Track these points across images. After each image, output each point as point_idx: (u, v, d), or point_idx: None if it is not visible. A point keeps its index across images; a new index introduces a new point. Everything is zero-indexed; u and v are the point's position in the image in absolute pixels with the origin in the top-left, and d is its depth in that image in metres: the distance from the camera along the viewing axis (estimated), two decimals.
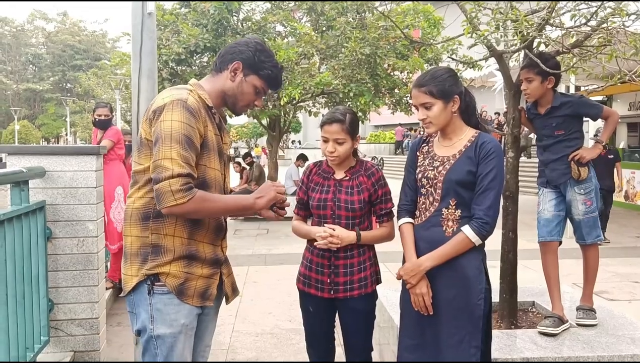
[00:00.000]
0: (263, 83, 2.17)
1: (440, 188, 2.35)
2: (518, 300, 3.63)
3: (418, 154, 2.52)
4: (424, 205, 2.43)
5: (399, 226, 2.51)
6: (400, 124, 31.58)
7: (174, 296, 2.02)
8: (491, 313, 2.42)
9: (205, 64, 11.28)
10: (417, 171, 2.47)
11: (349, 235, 2.58)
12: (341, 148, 2.59)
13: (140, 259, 2.03)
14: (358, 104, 10.61)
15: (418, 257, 2.36)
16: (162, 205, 1.89)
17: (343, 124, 2.57)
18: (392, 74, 11.45)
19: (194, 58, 10.97)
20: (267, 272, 6.93)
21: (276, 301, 5.55)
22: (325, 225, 2.61)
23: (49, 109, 55.33)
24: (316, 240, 2.60)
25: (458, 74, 2.49)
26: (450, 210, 2.33)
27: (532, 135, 4.14)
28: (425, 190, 2.42)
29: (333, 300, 2.66)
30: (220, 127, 2.19)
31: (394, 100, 12.30)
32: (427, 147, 2.51)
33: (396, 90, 11.97)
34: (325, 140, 2.62)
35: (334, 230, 2.56)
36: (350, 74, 10.51)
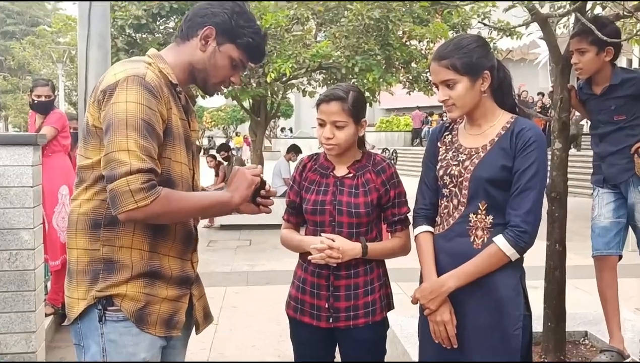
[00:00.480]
0: (241, 54, 2.17)
1: (466, 188, 2.35)
2: (567, 329, 3.64)
3: (439, 145, 2.53)
4: (446, 210, 2.43)
5: (416, 236, 2.51)
6: (418, 107, 31.56)
7: (132, 324, 2.01)
8: (531, 346, 2.42)
9: (171, 30, 11.29)
10: (438, 167, 2.47)
11: (353, 248, 2.58)
12: (341, 134, 2.58)
13: (89, 278, 2.02)
14: (365, 81, 10.63)
15: (439, 274, 2.37)
16: (118, 210, 1.88)
17: (344, 103, 2.57)
18: (408, 43, 11.47)
19: (158, 23, 10.98)
20: (250, 294, 6.93)
21: (261, 331, 5.56)
22: (322, 234, 2.62)
23: None
24: (310, 254, 2.60)
25: (490, 44, 2.49)
26: (479, 216, 2.34)
27: (585, 122, 4.14)
28: (448, 190, 2.42)
29: (332, 330, 2.66)
30: (188, 110, 2.19)
31: (410, 77, 12.32)
32: (450, 137, 2.52)
33: (413, 65, 11.99)
34: (322, 124, 2.62)
35: (333, 241, 2.56)
36: (356, 44, 10.52)
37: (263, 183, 2.24)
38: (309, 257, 2.60)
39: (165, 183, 2.01)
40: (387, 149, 27.30)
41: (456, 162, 2.41)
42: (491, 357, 2.29)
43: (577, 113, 3.93)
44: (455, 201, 2.40)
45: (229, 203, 2.11)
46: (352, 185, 2.64)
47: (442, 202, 2.46)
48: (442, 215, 2.45)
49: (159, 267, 2.07)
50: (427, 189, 2.53)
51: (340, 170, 2.69)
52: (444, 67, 2.33)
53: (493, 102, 2.41)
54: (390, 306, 2.74)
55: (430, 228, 2.49)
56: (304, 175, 2.76)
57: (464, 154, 2.41)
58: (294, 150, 12.36)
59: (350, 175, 2.67)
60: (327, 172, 2.71)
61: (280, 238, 2.82)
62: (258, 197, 2.25)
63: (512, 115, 2.41)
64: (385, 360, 2.76)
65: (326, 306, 2.63)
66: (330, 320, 2.63)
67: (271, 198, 2.29)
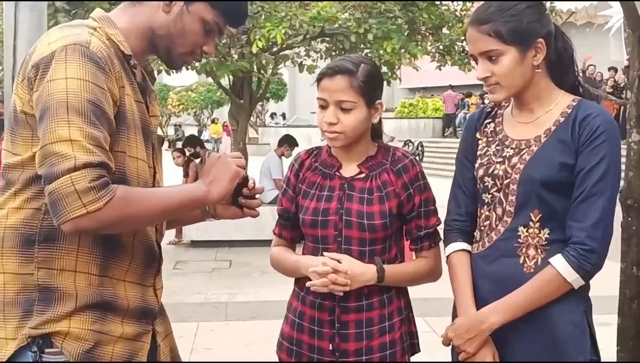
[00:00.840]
0: (216, 15, 2.18)
1: (514, 193, 2.36)
2: None
3: (479, 136, 2.54)
4: (487, 222, 2.44)
5: (448, 256, 2.52)
6: (451, 87, 31.62)
7: None
8: None
9: None
10: (477, 165, 2.48)
11: (365, 272, 2.56)
12: (348, 119, 2.57)
13: (21, 311, 2.02)
14: (381, 52, 10.64)
15: (479, 307, 2.37)
16: (62, 218, 1.86)
17: (353, 78, 2.56)
18: (438, 2, 11.47)
19: None
20: (230, 333, 6.93)
21: None
22: (325, 253, 2.62)
23: None
24: (310, 279, 2.61)
25: (546, 4, 2.50)
26: (531, 230, 2.34)
27: None
28: (489, 196, 2.43)
29: None
30: (145, 89, 2.20)
31: (440, 47, 12.33)
32: (493, 125, 2.53)
33: (445, 30, 11.99)
34: (323, 106, 2.61)
35: (339, 262, 2.56)
36: (369, 4, 10.53)
37: (245, 179, 2.25)
38: (308, 284, 2.59)
39: (117, 181, 2.00)
40: (410, 142, 27.26)
41: (501, 159, 2.42)
42: None
43: None
44: (499, 210, 2.40)
45: (204, 199, 2.11)
46: (365, 189, 2.63)
47: (483, 211, 2.47)
48: (483, 228, 2.46)
49: (113, 295, 2.08)
50: (463, 195, 2.54)
51: (349, 169, 2.69)
52: (485, 35, 2.33)
53: (549, 80, 2.42)
54: (414, 348, 2.74)
55: (466, 246, 2.50)
56: (302, 176, 2.75)
57: (512, 148, 2.41)
58: (288, 142, 12.34)
59: (362, 175, 2.66)
60: (331, 171, 2.70)
61: (270, 258, 2.81)
62: (240, 196, 2.26)
63: (574, 97, 2.41)
64: None
65: (330, 348, 2.61)
66: None
67: (258, 199, 2.30)
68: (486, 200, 2.45)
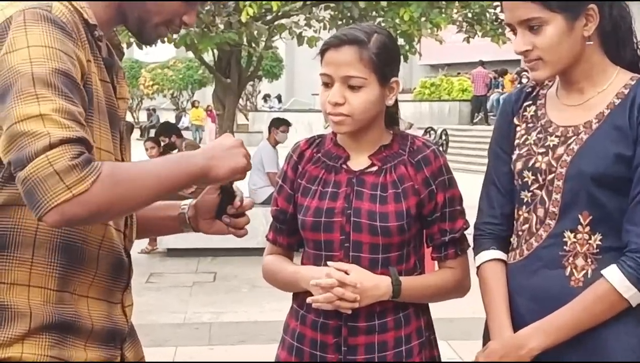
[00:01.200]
0: None
1: (560, 190, 2.37)
2: None
3: (517, 122, 2.55)
4: (526, 225, 2.45)
5: (479, 266, 2.54)
6: (482, 63, 31.66)
7: None
8: None
9: None
10: (516, 157, 2.49)
11: (378, 285, 2.55)
12: (357, 98, 2.54)
13: None
14: (397, 22, 10.66)
15: (516, 329, 2.38)
16: (44, 207, 1.81)
17: (363, 49, 2.54)
18: None
19: None
20: (212, 359, 6.95)
21: None
22: (329, 263, 2.62)
23: None
24: (311, 294, 2.61)
25: None
26: (580, 236, 2.35)
27: None
28: (529, 194, 2.44)
29: None
30: (112, 66, 2.21)
31: (469, 15, 12.34)
32: (534, 109, 2.53)
33: None
34: (327, 83, 2.60)
35: (347, 273, 2.57)
36: None
37: (232, 193, 2.28)
38: (309, 300, 2.60)
39: None
40: (432, 129, 27.32)
41: (544, 150, 2.42)
42: None
43: None
44: (541, 211, 2.41)
45: (203, 175, 2.06)
46: (377, 185, 2.62)
47: (521, 212, 2.47)
48: (521, 233, 2.47)
49: (74, 314, 2.08)
50: (498, 192, 2.55)
51: (359, 161, 2.67)
52: None
53: (603, 54, 2.42)
54: None
55: (502, 255, 2.50)
56: (301, 170, 2.74)
57: (556, 137, 2.42)
58: (277, 123, 12.33)
59: (374, 168, 2.64)
60: (337, 164, 2.68)
61: (263, 269, 2.81)
62: (224, 214, 2.31)
63: (632, 75, 2.42)
64: None
65: None
66: None
67: (247, 213, 2.33)
68: (525, 199, 2.45)
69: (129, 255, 2.25)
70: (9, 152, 1.83)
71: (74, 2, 2.09)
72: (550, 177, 2.38)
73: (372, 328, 2.59)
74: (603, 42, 2.41)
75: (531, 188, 2.43)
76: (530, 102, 2.55)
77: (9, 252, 2.01)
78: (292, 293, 2.77)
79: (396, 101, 2.69)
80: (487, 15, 12.26)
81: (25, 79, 1.86)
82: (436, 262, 2.75)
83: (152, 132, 17.81)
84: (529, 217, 2.43)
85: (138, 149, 16.66)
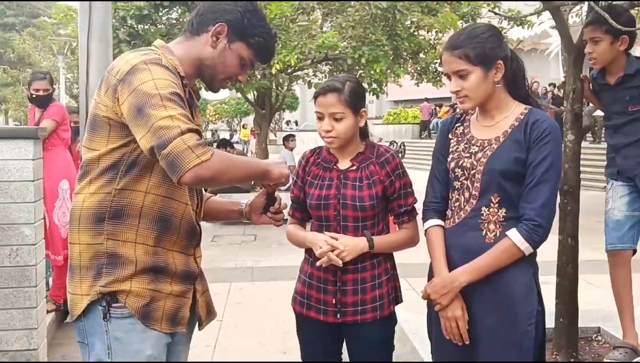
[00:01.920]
0: (251, 53, 2.17)
1: (479, 181, 2.35)
2: (579, 326, 3.63)
3: (450, 136, 2.52)
4: (457, 203, 2.43)
5: (426, 230, 2.51)
6: (426, 99, 31.49)
7: (137, 320, 2.01)
8: (545, 343, 2.41)
9: (174, 21, 11.28)
10: (450, 159, 2.46)
11: (357, 244, 2.58)
12: (340, 126, 2.59)
13: (93, 273, 2.02)
14: (372, 72, 10.63)
15: (450, 270, 2.36)
16: (182, 169, 1.84)
17: (340, 94, 2.57)
18: (416, 33, 11.45)
19: (160, 14, 10.97)
20: (255, 290, 6.93)
21: (267, 328, 5.56)
22: (325, 232, 2.62)
23: None
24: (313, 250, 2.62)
25: (502, 34, 2.48)
26: (492, 210, 2.33)
27: (599, 113, 4.13)
28: (459, 183, 2.42)
29: (340, 325, 2.66)
30: (192, 104, 2.19)
31: (418, 68, 12.31)
32: (462, 128, 2.50)
33: (421, 55, 11.97)
34: (320, 117, 2.63)
35: (336, 239, 2.56)
36: (362, 34, 10.51)
37: (274, 198, 2.32)
38: (318, 263, 2.60)
39: (170, 181, 2.01)
40: (394, 142, 27.30)
41: (468, 154, 2.40)
42: (503, 353, 2.28)
43: (590, 104, 3.91)
44: (466, 194, 2.39)
45: (269, 172, 2.12)
46: (356, 178, 2.65)
47: (453, 195, 2.45)
48: (453, 208, 2.45)
49: (164, 262, 2.08)
50: (438, 182, 2.52)
51: (344, 163, 2.69)
52: (457, 57, 2.31)
53: (506, 93, 2.40)
54: (398, 299, 2.74)
55: (440, 222, 2.48)
56: (307, 170, 2.76)
57: (477, 146, 2.40)
58: (290, 136, 12.92)
59: (354, 167, 2.67)
60: (330, 165, 2.71)
61: (286, 233, 2.82)
62: (268, 211, 2.35)
63: (525, 106, 2.40)
64: (394, 358, 2.76)
65: (333, 301, 2.63)
66: (338, 316, 2.63)
67: (282, 214, 2.39)
68: (456, 186, 2.43)
69: (199, 225, 2.24)
70: (151, 141, 1.86)
71: (170, 61, 2.09)
72: (472, 172, 2.37)
73: (356, 269, 2.63)
74: (506, 85, 2.40)
75: (460, 179, 2.41)
76: (460, 123, 2.53)
77: (123, 221, 2.01)
78: (305, 249, 2.77)
79: (366, 123, 2.70)
80: (430, 68, 12.20)
81: (154, 97, 1.89)
82: (397, 226, 2.74)
83: (215, 145, 17.86)
84: (459, 198, 2.42)
85: None
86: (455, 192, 2.43)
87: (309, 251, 2.72)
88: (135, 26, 10.43)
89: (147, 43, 10.18)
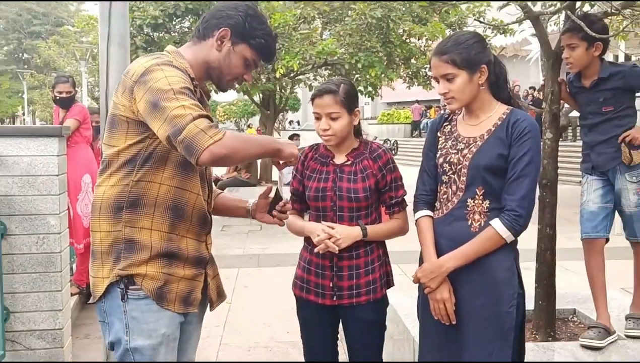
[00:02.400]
0: (254, 54, 2.17)
1: (465, 175, 2.35)
2: (557, 307, 3.63)
3: (439, 134, 2.52)
4: (445, 196, 2.43)
5: (416, 220, 2.51)
6: (417, 101, 31.47)
7: (153, 301, 2.02)
8: (525, 323, 2.42)
9: (186, 29, 11.26)
10: (438, 155, 2.46)
11: (352, 232, 2.59)
12: (336, 124, 2.59)
13: (113, 258, 2.03)
14: (368, 77, 10.60)
15: (439, 256, 2.36)
16: (197, 150, 1.83)
17: (336, 95, 2.58)
18: (408, 41, 11.42)
19: (174, 22, 10.95)
20: (261, 275, 6.94)
21: (272, 309, 5.57)
22: (322, 222, 2.62)
23: (3, 83, 55.35)
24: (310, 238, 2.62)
25: (486, 41, 2.47)
26: (476, 201, 2.33)
27: (574, 113, 4.12)
28: (447, 177, 2.42)
29: (336, 307, 2.67)
30: (202, 103, 2.18)
31: (410, 73, 12.28)
32: (449, 127, 2.50)
33: (413, 61, 11.94)
34: (318, 117, 2.64)
35: (333, 229, 2.56)
36: (359, 42, 10.48)
37: (279, 198, 2.32)
38: (315, 241, 2.60)
39: (185, 165, 2.03)
40: (388, 140, 27.33)
41: (455, 151, 2.40)
42: (487, 332, 2.28)
43: (567, 105, 3.90)
44: (454, 187, 2.39)
45: (281, 151, 2.06)
46: (351, 172, 2.65)
47: (442, 188, 2.45)
48: (442, 200, 2.44)
49: (177, 247, 2.08)
50: (427, 176, 2.51)
51: (340, 158, 2.70)
52: (444, 62, 2.31)
53: (490, 94, 2.40)
54: (389, 283, 2.75)
55: (430, 213, 2.48)
56: (306, 164, 2.76)
57: (463, 143, 2.39)
58: (294, 136, 13.01)
59: (349, 162, 2.67)
60: (327, 160, 2.71)
61: (286, 223, 2.81)
62: (274, 210, 2.33)
63: (507, 106, 2.40)
64: (387, 337, 2.76)
65: (330, 285, 2.64)
66: (335, 298, 2.64)
67: (287, 213, 2.38)
68: (444, 180, 2.43)
69: (210, 214, 2.24)
70: (167, 130, 1.86)
71: (180, 64, 2.09)
72: (459, 167, 2.37)
73: (351, 256, 2.63)
74: (490, 87, 2.39)
75: (448, 174, 2.41)
76: (447, 123, 2.53)
77: (140, 209, 2.02)
78: (304, 237, 2.78)
79: (359, 121, 2.72)
80: (421, 73, 12.17)
81: (167, 91, 1.90)
82: (388, 216, 2.74)
83: None
84: (447, 191, 2.42)
85: None
86: (444, 185, 2.43)
87: (307, 239, 2.73)
88: (151, 34, 10.41)
89: (161, 49, 10.08)
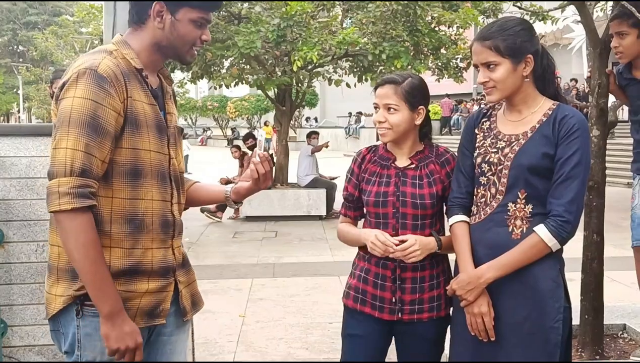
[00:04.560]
0: (198, 11, 2.15)
1: (506, 176, 2.33)
2: (604, 322, 3.60)
3: (477, 131, 2.50)
4: (483, 199, 2.41)
5: (451, 225, 2.49)
6: (447, 95, 31.31)
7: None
8: (571, 339, 2.40)
9: None
10: (476, 154, 2.45)
11: (430, 242, 2.53)
12: (393, 117, 2.56)
13: (69, 276, 2.05)
14: (393, 69, 10.56)
15: (476, 266, 2.35)
16: (49, 208, 1.94)
17: (397, 86, 2.57)
18: (437, 29, 11.38)
19: None
20: (276, 286, 6.94)
21: (288, 323, 5.57)
22: (392, 238, 2.53)
23: None
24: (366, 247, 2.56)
25: (534, 29, 2.45)
26: (518, 205, 2.31)
27: (621, 109, 4.08)
28: (485, 179, 2.40)
29: (393, 323, 2.63)
30: (160, 93, 2.19)
31: (439, 64, 12.22)
32: (488, 123, 2.49)
33: (442, 51, 11.90)
34: (376, 107, 2.63)
35: (404, 241, 2.49)
36: (383, 30, 10.46)
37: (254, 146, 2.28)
38: (391, 254, 2.49)
39: (132, 174, 2.05)
40: None
41: (495, 150, 2.38)
42: (530, 350, 2.27)
43: (615, 99, 3.87)
44: (493, 190, 2.37)
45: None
46: (416, 176, 2.61)
47: (479, 190, 2.43)
48: (479, 204, 2.43)
49: (139, 262, 2.09)
50: (463, 178, 2.50)
51: (402, 161, 2.65)
52: (487, 48, 2.31)
53: (535, 88, 2.38)
54: (451, 302, 2.62)
55: (465, 218, 2.46)
56: (364, 167, 2.72)
57: (504, 141, 2.38)
58: (313, 134, 13.02)
59: (413, 166, 2.63)
60: (387, 163, 2.67)
61: (338, 231, 2.78)
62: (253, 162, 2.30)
63: (554, 102, 2.38)
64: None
65: (392, 299, 2.59)
66: (394, 313, 2.59)
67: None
68: (482, 182, 2.41)
69: (174, 215, 2.21)
70: (49, 164, 1.95)
71: (125, 55, 2.10)
72: (499, 167, 2.35)
73: (416, 267, 2.58)
74: (535, 80, 2.37)
75: (486, 175, 2.39)
76: (486, 118, 2.51)
77: (97, 227, 2.01)
78: (358, 246, 2.73)
79: (427, 122, 2.67)
80: (451, 64, 12.12)
81: (66, 119, 1.97)
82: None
83: (235, 142, 17.91)
84: (485, 194, 2.40)
85: (226, 153, 16.67)
86: (482, 187, 2.42)
87: (363, 248, 2.66)
88: None
89: None
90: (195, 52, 2.23)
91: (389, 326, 2.63)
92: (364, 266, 2.66)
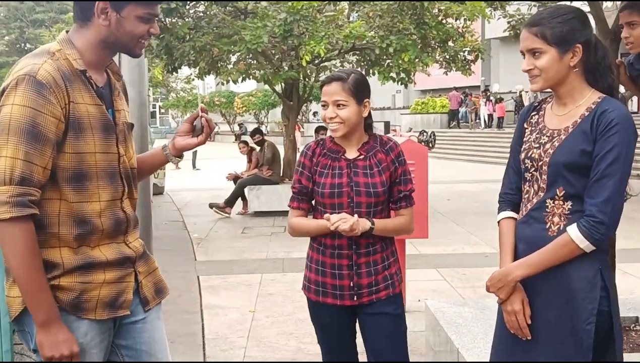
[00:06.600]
0: (145, 7, 2.13)
1: (545, 173, 2.27)
2: None
3: (525, 126, 2.44)
4: (527, 195, 2.36)
5: (498, 221, 2.46)
6: (455, 88, 31.23)
7: (68, 313, 2.05)
8: (612, 344, 2.25)
9: (201, 14, 11.30)
10: (522, 149, 2.39)
11: (365, 223, 2.68)
12: (343, 112, 2.70)
13: None
14: (400, 62, 10.53)
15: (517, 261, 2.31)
16: None
17: (344, 83, 2.70)
18: (444, 22, 11.33)
19: (187, 7, 11.00)
20: (286, 281, 6.93)
21: (298, 318, 5.55)
22: (335, 214, 2.69)
23: (4, 76, 56.26)
24: (323, 236, 2.74)
25: (588, 19, 2.37)
26: (557, 202, 2.25)
27: (633, 99, 4.05)
28: (529, 174, 2.35)
29: (355, 307, 2.80)
30: (105, 92, 2.17)
31: (447, 57, 12.19)
32: (536, 117, 2.42)
33: (450, 44, 11.85)
34: (325, 105, 2.74)
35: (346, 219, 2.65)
36: (390, 23, 10.43)
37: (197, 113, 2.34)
38: (333, 227, 2.62)
39: (77, 178, 2.05)
40: (424, 131, 26.89)
41: (537, 145, 2.32)
42: (564, 349, 2.21)
43: (625, 90, 3.84)
44: (535, 186, 2.32)
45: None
46: (366, 166, 2.77)
47: (525, 186, 2.38)
48: (524, 200, 2.38)
49: (91, 257, 2.09)
50: (513, 173, 2.45)
51: (351, 153, 2.80)
52: (533, 35, 2.24)
53: (583, 80, 2.29)
54: (401, 280, 2.89)
55: (513, 214, 2.42)
56: (315, 160, 2.84)
57: (547, 136, 2.31)
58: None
59: (362, 156, 2.79)
60: (337, 156, 2.81)
61: (292, 226, 2.88)
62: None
63: (600, 95, 2.27)
64: (429, 347, 2.75)
65: (350, 284, 2.76)
66: (355, 298, 2.76)
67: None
68: (527, 178, 2.36)
69: (126, 213, 2.21)
70: None
71: (68, 56, 2.06)
72: (540, 163, 2.27)
73: (369, 252, 2.77)
74: (585, 72, 2.29)
75: (530, 171, 2.33)
76: (535, 112, 2.44)
77: (45, 230, 2.03)
78: (310, 238, 2.87)
79: (370, 115, 2.82)
80: (459, 57, 12.07)
81: (5, 127, 1.96)
82: (394, 212, 2.86)
83: (242, 138, 17.91)
84: (529, 190, 2.34)
85: (234, 148, 16.65)
86: (527, 183, 2.37)
87: (318, 240, 2.82)
88: (164, 20, 10.46)
89: (175, 37, 10.22)
90: (144, 44, 2.22)
91: (352, 310, 2.81)
92: (319, 259, 2.81)
